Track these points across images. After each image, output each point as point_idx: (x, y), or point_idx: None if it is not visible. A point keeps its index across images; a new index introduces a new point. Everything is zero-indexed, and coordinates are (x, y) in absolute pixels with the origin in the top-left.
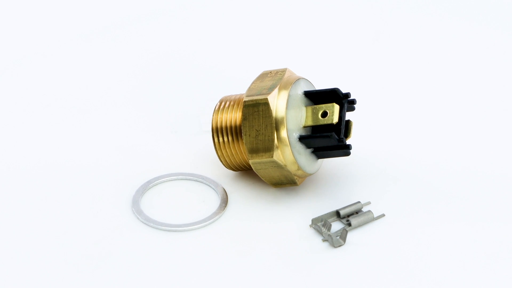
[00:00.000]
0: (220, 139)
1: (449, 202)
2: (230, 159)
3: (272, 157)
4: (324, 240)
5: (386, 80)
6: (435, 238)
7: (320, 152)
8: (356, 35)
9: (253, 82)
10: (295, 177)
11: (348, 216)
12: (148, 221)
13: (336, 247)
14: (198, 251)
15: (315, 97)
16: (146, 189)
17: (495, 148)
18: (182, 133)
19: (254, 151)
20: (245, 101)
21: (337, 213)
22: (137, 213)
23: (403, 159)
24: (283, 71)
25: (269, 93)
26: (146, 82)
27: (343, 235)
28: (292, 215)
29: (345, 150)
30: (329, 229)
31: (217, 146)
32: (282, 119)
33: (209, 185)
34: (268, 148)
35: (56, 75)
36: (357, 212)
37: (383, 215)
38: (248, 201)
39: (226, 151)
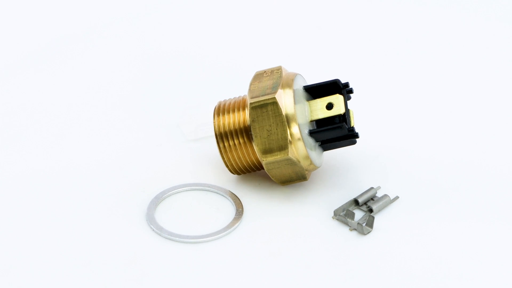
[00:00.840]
0: (226, 143)
1: (452, 185)
2: (236, 162)
3: (287, 154)
4: (351, 229)
5: (383, 69)
6: (451, 218)
7: (328, 144)
8: (348, 29)
9: (251, 84)
10: (306, 172)
11: (366, 202)
12: (170, 235)
13: (366, 234)
14: (227, 260)
15: (316, 91)
16: (159, 200)
17: (497, 137)
18: (166, 144)
19: (267, 151)
20: (251, 103)
21: (356, 201)
22: (157, 229)
23: (398, 143)
24: (279, 69)
25: (274, 92)
26: (141, 86)
27: (369, 221)
28: (309, 210)
29: (352, 139)
30: (352, 217)
31: (222, 151)
32: (293, 115)
33: (221, 194)
34: (282, 146)
35: (61, 81)
36: (372, 199)
37: (397, 197)
38: (262, 204)
39: (233, 155)
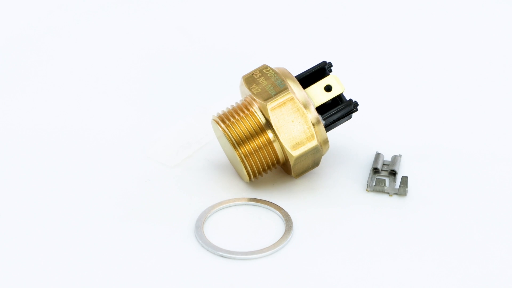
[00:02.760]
0: (247, 147)
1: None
2: (258, 165)
3: (316, 142)
4: (391, 195)
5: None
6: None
7: (332, 125)
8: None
9: (250, 89)
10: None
11: (386, 165)
12: (218, 250)
13: (406, 194)
14: (280, 276)
15: (308, 79)
16: (207, 215)
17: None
18: (154, 181)
19: (297, 144)
20: (269, 107)
21: (375, 170)
22: (206, 245)
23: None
24: (266, 67)
25: (285, 88)
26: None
27: (404, 181)
28: (341, 193)
29: (350, 114)
30: (385, 184)
31: (244, 156)
32: (308, 104)
33: (267, 208)
34: (309, 137)
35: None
36: (384, 164)
37: (400, 155)
38: (294, 208)
39: (255, 157)
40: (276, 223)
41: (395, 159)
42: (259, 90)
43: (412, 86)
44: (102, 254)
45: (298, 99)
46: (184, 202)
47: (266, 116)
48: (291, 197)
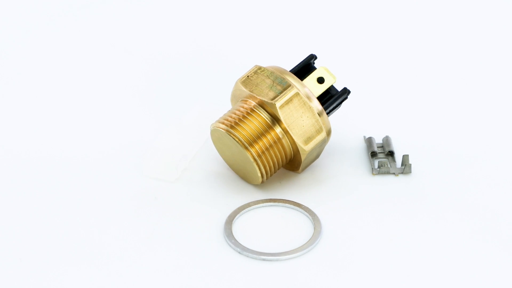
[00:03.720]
0: (258, 147)
1: None
2: (270, 164)
3: (325, 135)
4: (397, 175)
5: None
6: None
7: (328, 114)
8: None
9: (252, 90)
10: None
11: (380, 148)
12: (248, 251)
13: (411, 172)
14: (311, 277)
15: (299, 74)
16: (235, 216)
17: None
18: (162, 198)
19: (308, 139)
20: (278, 105)
21: (373, 153)
22: (235, 245)
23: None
24: (259, 67)
25: (288, 84)
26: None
27: (406, 159)
28: (349, 180)
29: (341, 103)
30: (387, 164)
31: (256, 156)
32: (310, 97)
33: (295, 209)
34: (318, 129)
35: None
36: (378, 146)
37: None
38: (312, 203)
39: (266, 156)
40: (301, 221)
41: (387, 140)
42: (262, 90)
43: (388, 69)
44: (130, 272)
45: (302, 94)
46: (202, 213)
47: (273, 114)
48: (303, 192)
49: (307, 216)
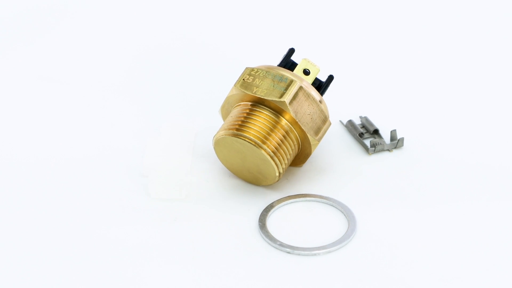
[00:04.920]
0: (271, 143)
1: None
2: (284, 158)
3: (330, 123)
4: (391, 150)
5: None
6: None
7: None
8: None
9: (254, 93)
10: None
11: (363, 128)
12: (283, 246)
13: (403, 145)
14: (345, 273)
15: (286, 67)
16: (270, 210)
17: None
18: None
19: (318, 130)
20: (287, 101)
21: (361, 135)
22: (270, 240)
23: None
24: (252, 69)
25: (291, 80)
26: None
27: (394, 134)
28: (352, 164)
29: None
30: (377, 143)
31: (271, 152)
32: (310, 87)
33: (330, 204)
34: (323, 119)
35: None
36: (363, 126)
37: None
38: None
39: (282, 151)
40: (333, 215)
41: (366, 120)
42: (265, 90)
43: (352, 52)
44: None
45: (304, 87)
46: (228, 221)
47: (275, 108)
48: (316, 184)
49: (339, 210)
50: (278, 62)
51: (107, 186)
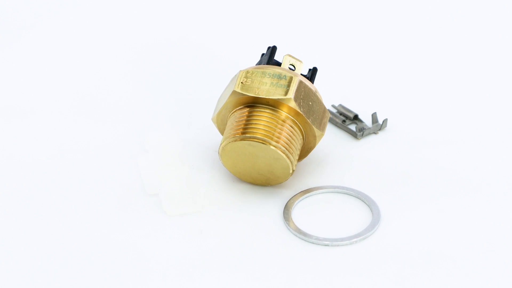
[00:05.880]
0: (282, 140)
1: None
2: (295, 153)
3: (328, 113)
4: (377, 133)
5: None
6: None
7: None
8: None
9: (258, 93)
10: None
11: (346, 117)
12: (308, 236)
13: (387, 126)
14: (369, 263)
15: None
16: (296, 201)
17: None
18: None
19: (321, 121)
20: (293, 98)
21: (344, 122)
22: (295, 231)
23: None
24: (247, 71)
25: (290, 77)
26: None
27: (375, 116)
28: (348, 152)
29: None
30: (363, 127)
31: (283, 148)
32: (305, 80)
33: (354, 196)
34: (324, 110)
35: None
36: (340, 114)
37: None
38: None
39: (293, 147)
40: (355, 206)
41: (343, 107)
42: (268, 90)
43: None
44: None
45: (302, 81)
46: (249, 223)
47: (282, 108)
48: (320, 176)
49: (361, 201)
50: (258, 61)
51: (124, 203)
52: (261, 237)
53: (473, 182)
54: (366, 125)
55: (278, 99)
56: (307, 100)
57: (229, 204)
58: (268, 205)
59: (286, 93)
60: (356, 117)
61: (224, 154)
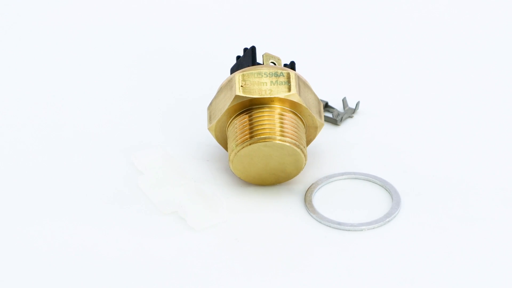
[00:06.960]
0: (290, 133)
1: None
2: (305, 146)
3: (321, 102)
4: (352, 116)
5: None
6: None
7: None
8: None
9: (261, 93)
10: None
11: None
12: (325, 221)
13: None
14: (389, 248)
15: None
16: (317, 187)
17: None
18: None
19: (320, 112)
20: (297, 93)
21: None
22: (316, 216)
23: None
24: (241, 74)
25: (288, 72)
26: None
27: (345, 101)
28: (335, 139)
29: None
30: (342, 112)
31: (293, 140)
32: (297, 73)
33: (375, 182)
34: (318, 101)
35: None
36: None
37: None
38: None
39: (302, 139)
40: (374, 193)
41: (317, 98)
42: (270, 89)
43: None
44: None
45: (298, 75)
46: (273, 218)
47: (289, 104)
48: (321, 166)
49: (381, 186)
50: (235, 63)
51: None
52: (294, 233)
53: None
54: (339, 111)
55: (285, 96)
56: (305, 93)
57: (249, 207)
58: (286, 201)
59: (289, 89)
60: (327, 105)
61: (236, 159)
